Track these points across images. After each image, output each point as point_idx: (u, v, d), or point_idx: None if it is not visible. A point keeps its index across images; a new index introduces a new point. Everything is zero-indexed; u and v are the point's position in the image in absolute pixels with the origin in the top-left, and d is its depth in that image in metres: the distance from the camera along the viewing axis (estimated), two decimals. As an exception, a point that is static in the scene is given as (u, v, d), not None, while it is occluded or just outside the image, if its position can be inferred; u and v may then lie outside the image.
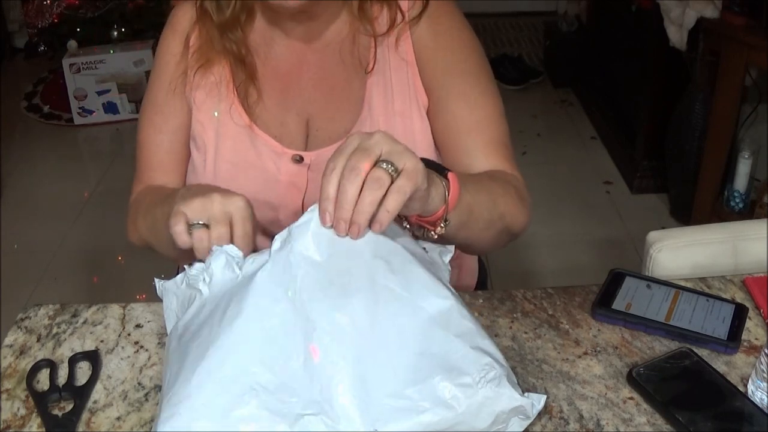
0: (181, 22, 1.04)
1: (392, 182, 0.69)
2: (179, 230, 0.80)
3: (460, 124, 1.00)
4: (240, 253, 0.77)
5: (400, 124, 1.00)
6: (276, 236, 0.74)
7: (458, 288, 0.81)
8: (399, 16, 1.00)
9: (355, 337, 0.68)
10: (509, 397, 0.69)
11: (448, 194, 0.79)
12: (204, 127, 1.03)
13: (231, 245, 0.78)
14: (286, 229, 0.74)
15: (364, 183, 0.69)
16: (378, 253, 0.72)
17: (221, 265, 0.76)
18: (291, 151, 1.01)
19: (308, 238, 0.72)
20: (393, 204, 0.69)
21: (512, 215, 0.94)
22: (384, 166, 0.69)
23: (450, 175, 0.80)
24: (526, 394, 0.71)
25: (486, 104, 1.01)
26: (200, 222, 0.80)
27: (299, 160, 1.01)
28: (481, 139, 1.00)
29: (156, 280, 0.83)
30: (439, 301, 0.72)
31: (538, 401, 0.72)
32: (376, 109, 1.00)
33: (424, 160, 0.78)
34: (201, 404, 0.66)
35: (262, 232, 1.04)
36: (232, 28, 1.00)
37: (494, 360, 0.70)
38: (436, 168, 0.80)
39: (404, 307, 0.71)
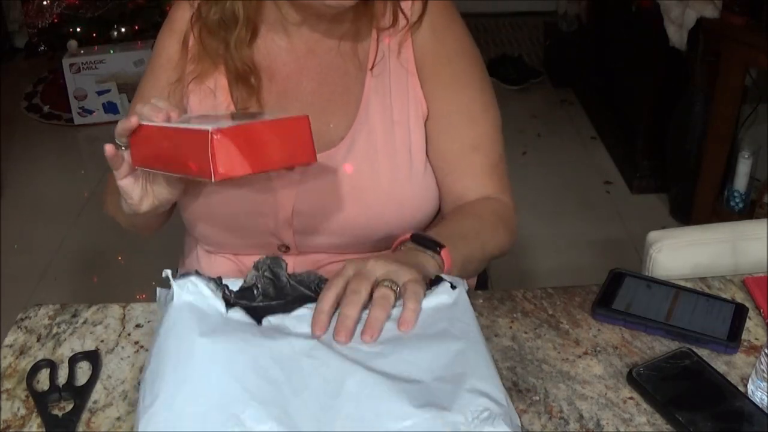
0: (180, 21, 1.03)
1: (396, 296, 0.77)
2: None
3: (459, 147, 1.01)
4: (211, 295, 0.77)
5: (398, 133, 0.99)
6: (267, 318, 0.76)
7: None
8: (402, 19, 0.99)
9: (344, 369, 0.69)
10: None
11: (443, 270, 0.87)
12: None
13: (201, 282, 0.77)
14: (280, 317, 0.77)
15: (373, 302, 0.75)
16: None
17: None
18: None
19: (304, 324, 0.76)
20: (414, 306, 0.76)
21: (499, 248, 1.01)
22: (386, 284, 0.77)
23: (443, 253, 0.87)
24: None
25: (486, 121, 1.03)
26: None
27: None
28: (478, 162, 1.02)
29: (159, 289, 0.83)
30: (441, 346, 0.73)
31: None
32: (373, 115, 0.99)
33: (417, 235, 0.89)
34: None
35: (251, 242, 1.04)
36: (239, 47, 0.98)
37: (491, 400, 0.68)
38: (429, 243, 0.88)
39: (397, 348, 0.72)
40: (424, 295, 0.78)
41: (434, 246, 0.87)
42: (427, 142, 1.02)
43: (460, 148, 1.01)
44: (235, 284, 0.81)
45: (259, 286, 0.81)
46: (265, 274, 0.82)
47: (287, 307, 0.79)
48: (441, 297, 0.79)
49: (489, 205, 1.02)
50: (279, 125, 0.81)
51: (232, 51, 0.98)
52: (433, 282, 0.82)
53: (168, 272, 0.78)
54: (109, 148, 0.84)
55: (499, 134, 1.05)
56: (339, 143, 0.99)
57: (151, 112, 0.83)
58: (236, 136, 0.76)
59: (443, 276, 0.82)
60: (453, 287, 0.80)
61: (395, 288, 0.77)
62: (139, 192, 0.89)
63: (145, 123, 0.84)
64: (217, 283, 0.79)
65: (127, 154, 0.86)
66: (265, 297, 0.81)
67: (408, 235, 0.89)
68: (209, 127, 0.75)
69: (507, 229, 1.02)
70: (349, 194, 0.98)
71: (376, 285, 0.77)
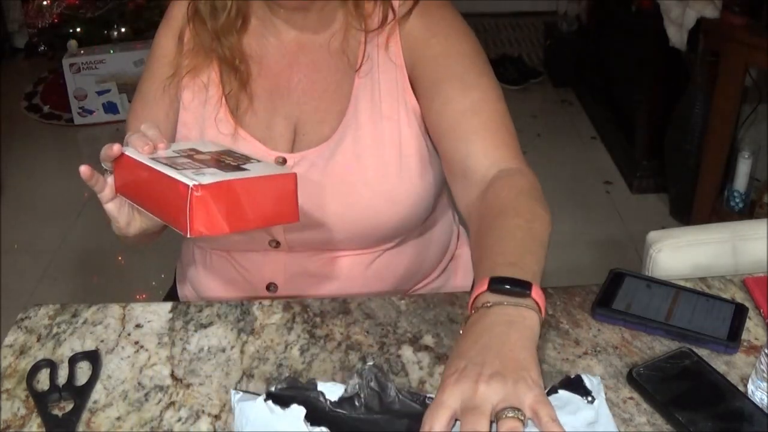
0: (177, 17, 1.04)
1: (524, 423, 0.65)
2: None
3: (452, 111, 0.96)
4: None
5: (386, 128, 0.99)
6: None
7: (456, 289, 0.80)
8: (390, 14, 0.98)
9: None
10: None
11: (542, 312, 0.75)
12: (188, 129, 1.03)
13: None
14: None
15: None
16: None
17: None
18: (275, 153, 1.00)
19: None
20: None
21: (548, 231, 0.92)
22: (510, 415, 0.64)
23: (534, 292, 0.74)
24: None
25: (481, 85, 0.98)
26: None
27: (282, 162, 1.00)
28: (476, 125, 0.96)
29: (233, 391, 0.77)
30: None
31: None
32: (362, 111, 0.99)
33: (501, 279, 0.75)
34: None
35: (242, 237, 1.03)
36: (226, 34, 0.99)
37: None
38: (515, 291, 0.74)
39: None
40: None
41: (521, 291, 0.74)
42: (428, 125, 0.99)
43: (454, 111, 0.96)
44: (332, 390, 0.74)
45: (362, 396, 0.74)
46: (371, 384, 0.74)
47: (393, 423, 0.72)
48: (583, 413, 0.71)
49: (510, 187, 0.93)
50: (264, 183, 0.77)
51: (221, 36, 0.99)
52: (568, 382, 0.74)
53: (273, 405, 0.71)
54: (84, 170, 0.81)
55: (498, 101, 0.99)
56: (328, 139, 0.99)
57: (137, 142, 0.82)
58: (218, 193, 0.72)
59: (582, 377, 0.74)
60: (591, 398, 0.72)
61: (522, 417, 0.64)
62: (125, 217, 0.88)
63: (129, 154, 0.82)
64: (313, 387, 0.74)
65: (111, 179, 0.85)
66: (368, 410, 0.73)
67: (485, 286, 0.75)
68: (190, 182, 0.72)
69: (540, 203, 0.93)
70: (337, 190, 0.98)
71: (496, 416, 0.65)
